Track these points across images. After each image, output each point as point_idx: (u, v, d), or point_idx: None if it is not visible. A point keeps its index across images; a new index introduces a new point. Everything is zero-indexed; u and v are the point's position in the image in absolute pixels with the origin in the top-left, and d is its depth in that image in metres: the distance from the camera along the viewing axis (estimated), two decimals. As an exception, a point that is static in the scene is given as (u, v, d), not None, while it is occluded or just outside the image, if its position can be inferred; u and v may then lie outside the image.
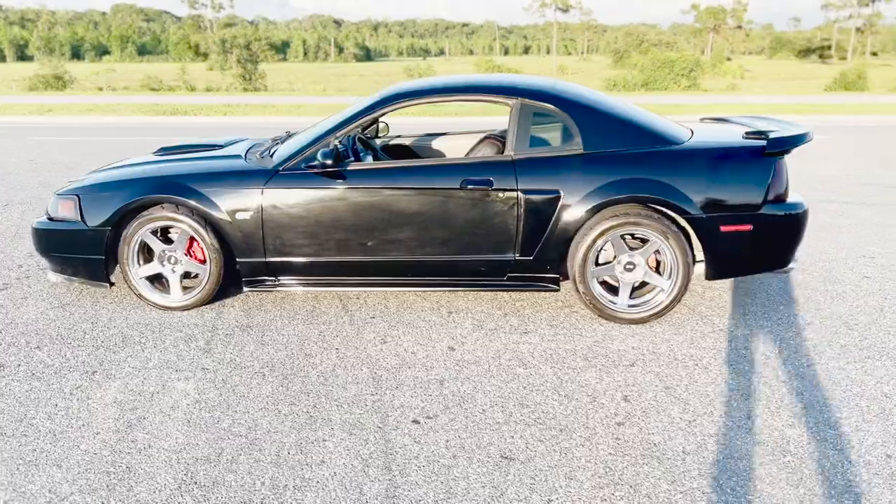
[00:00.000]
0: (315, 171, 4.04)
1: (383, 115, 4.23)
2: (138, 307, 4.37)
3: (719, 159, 3.96)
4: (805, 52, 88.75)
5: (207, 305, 4.35)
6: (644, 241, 4.04)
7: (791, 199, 4.06)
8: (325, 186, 4.03)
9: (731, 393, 3.29)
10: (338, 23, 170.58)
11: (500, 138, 4.67)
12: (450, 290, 4.43)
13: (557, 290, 4.16)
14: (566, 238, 4.00)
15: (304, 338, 3.93)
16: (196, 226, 4.13)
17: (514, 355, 3.69)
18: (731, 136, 4.21)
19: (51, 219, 4.38)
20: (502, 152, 4.28)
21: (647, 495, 2.56)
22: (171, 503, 2.55)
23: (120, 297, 4.53)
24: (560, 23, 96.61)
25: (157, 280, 4.38)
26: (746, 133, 4.14)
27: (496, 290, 4.33)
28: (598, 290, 4.07)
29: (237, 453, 2.83)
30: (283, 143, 4.65)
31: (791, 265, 4.15)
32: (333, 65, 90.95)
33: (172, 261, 4.27)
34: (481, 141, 4.42)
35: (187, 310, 4.30)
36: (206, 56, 65.79)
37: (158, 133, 13.98)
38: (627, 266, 4.03)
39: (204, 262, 4.26)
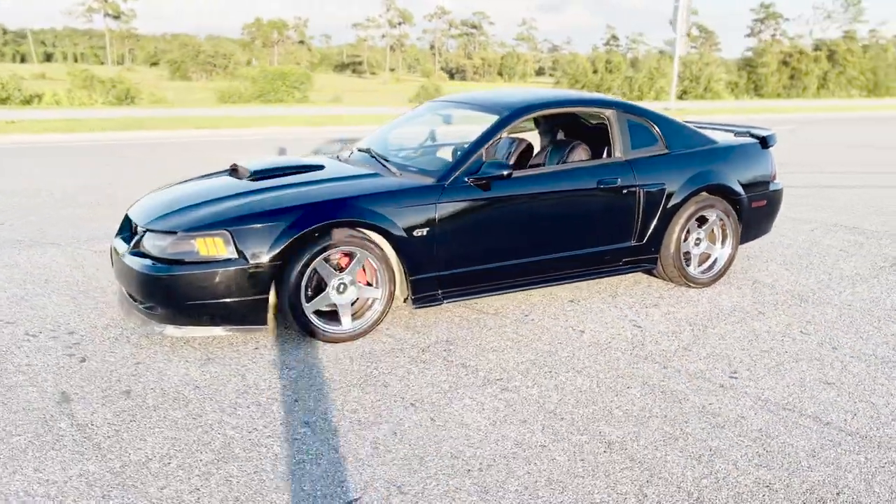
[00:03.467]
0: (479, 182, 4.20)
1: (512, 126, 4.55)
2: (294, 348, 3.95)
3: (745, 153, 5.24)
4: (341, 67, 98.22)
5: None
6: (704, 220, 5.08)
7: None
8: (488, 196, 4.24)
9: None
10: None
11: (567, 143, 5.20)
12: (577, 282, 4.87)
13: (655, 267, 4.98)
14: (667, 223, 4.85)
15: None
16: (374, 247, 3.96)
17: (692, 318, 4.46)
18: (727, 136, 5.51)
19: (167, 261, 3.69)
20: (591, 156, 4.93)
21: None
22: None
23: (242, 341, 4.00)
24: (85, 30, 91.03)
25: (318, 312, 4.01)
26: (736, 134, 5.49)
27: (611, 276, 4.94)
28: (682, 261, 5.01)
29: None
30: (378, 157, 4.61)
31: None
32: None
33: (341, 289, 3.98)
34: (573, 148, 4.96)
35: (356, 339, 4.05)
36: None
37: None
38: (696, 241, 5.05)
39: (369, 285, 4.07)
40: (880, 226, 7.16)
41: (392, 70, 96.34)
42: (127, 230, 4.31)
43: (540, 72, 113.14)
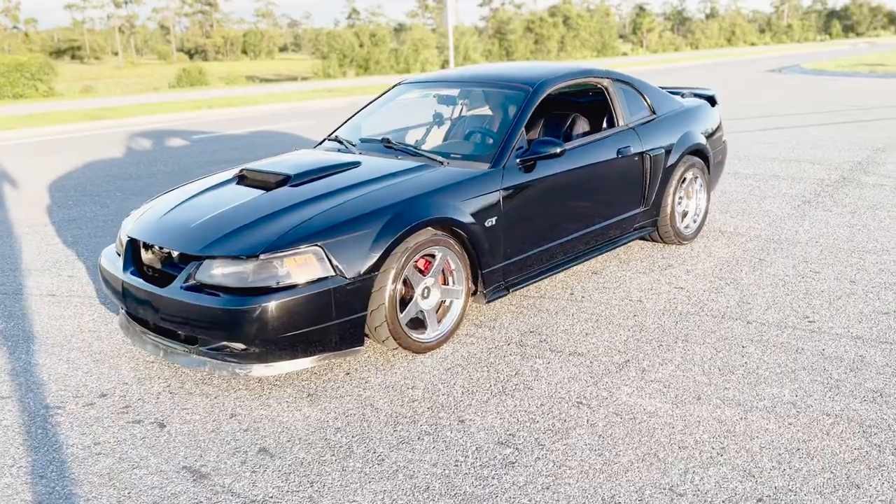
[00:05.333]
0: (528, 162, 4.03)
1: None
2: (387, 364, 3.56)
3: (704, 113, 5.56)
4: (57, 54, 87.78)
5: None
6: (684, 179, 5.32)
7: (717, 134, 5.92)
8: (538, 176, 4.09)
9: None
10: None
11: (564, 116, 5.05)
12: (603, 254, 4.80)
13: (654, 230, 5.12)
14: (665, 185, 5.01)
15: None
16: (454, 244, 3.67)
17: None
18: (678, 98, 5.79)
19: (250, 290, 3.14)
20: (591, 126, 4.92)
21: None
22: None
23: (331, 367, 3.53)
24: None
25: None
26: (683, 95, 5.79)
27: (624, 244, 4.95)
28: (677, 220, 5.21)
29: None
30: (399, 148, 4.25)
31: None
32: None
33: (426, 293, 3.64)
34: (573, 120, 4.86)
35: (441, 345, 3.73)
36: None
37: None
38: (679, 199, 5.28)
39: (445, 285, 3.77)
40: (756, 168, 7.98)
41: (115, 54, 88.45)
42: (131, 260, 3.58)
43: (283, 48, 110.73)
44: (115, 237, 6.05)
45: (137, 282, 3.43)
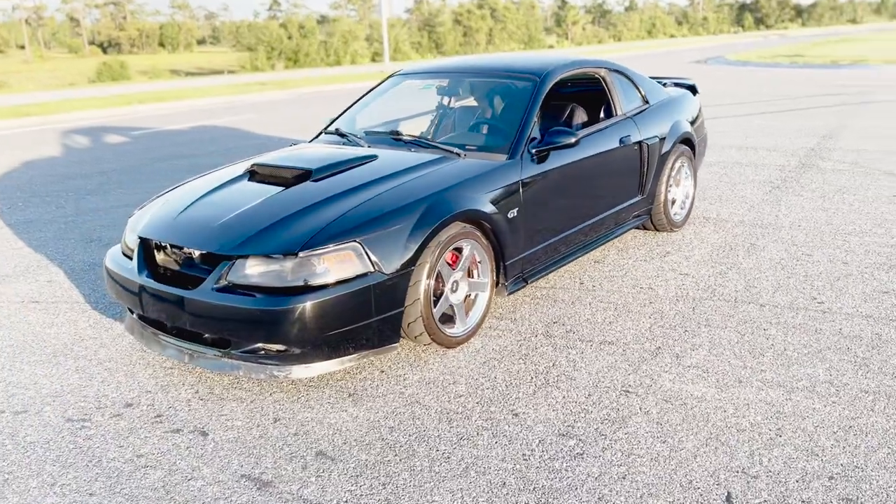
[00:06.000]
0: (543, 152, 4.02)
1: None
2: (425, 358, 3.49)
3: (689, 102, 5.66)
4: None
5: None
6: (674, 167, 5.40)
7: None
8: (553, 166, 4.09)
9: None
10: None
11: (562, 107, 5.04)
12: (606, 243, 4.82)
13: (648, 218, 5.19)
14: (660, 173, 5.08)
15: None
16: (481, 237, 3.63)
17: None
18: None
19: (289, 290, 3.03)
20: (589, 116, 4.94)
21: None
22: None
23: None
24: None
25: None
26: (665, 85, 5.88)
27: (620, 236, 4.99)
28: (669, 208, 5.29)
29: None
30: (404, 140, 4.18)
31: None
32: None
33: (454, 287, 3.59)
34: (572, 111, 4.85)
35: (470, 338, 3.69)
36: None
37: None
38: (669, 187, 5.38)
39: (469, 278, 3.72)
40: (717, 156, 8.21)
41: (22, 47, 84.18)
42: (144, 260, 3.41)
43: (202, 41, 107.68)
44: (85, 239, 5.78)
45: (158, 284, 3.26)
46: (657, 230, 5.36)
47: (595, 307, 4.07)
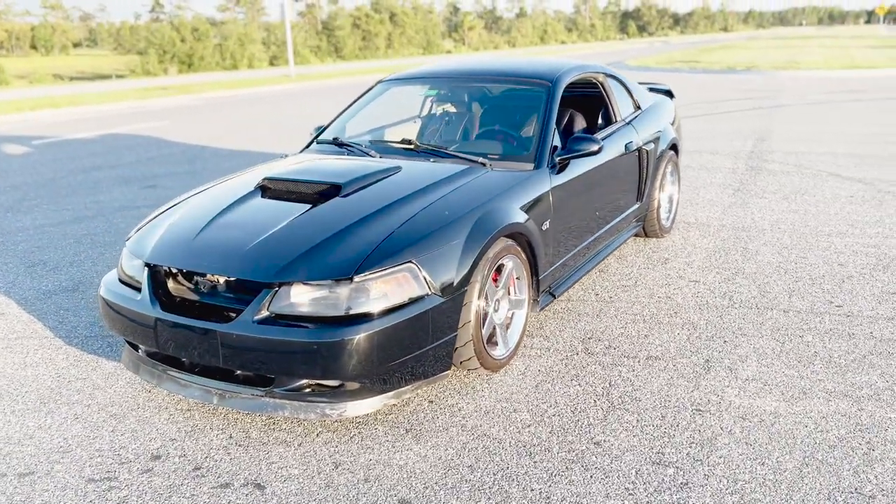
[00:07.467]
0: (565, 160, 3.86)
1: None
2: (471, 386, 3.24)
3: (669, 106, 5.64)
4: None
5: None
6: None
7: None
8: (575, 174, 3.94)
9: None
10: None
11: (561, 113, 4.84)
12: (613, 252, 4.68)
13: (642, 224, 5.11)
14: (654, 179, 5.02)
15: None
16: (520, 252, 3.42)
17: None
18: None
19: (344, 319, 2.73)
20: (593, 122, 4.81)
21: None
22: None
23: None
24: None
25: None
26: (650, 90, 5.84)
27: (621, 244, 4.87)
28: (660, 213, 5.24)
29: (888, 360, 3.40)
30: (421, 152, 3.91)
31: None
32: None
33: (496, 306, 3.35)
34: (571, 117, 4.68)
35: (511, 359, 3.46)
36: None
37: None
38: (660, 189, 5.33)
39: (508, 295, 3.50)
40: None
41: None
42: (155, 290, 3.01)
43: (78, 44, 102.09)
44: (26, 264, 5.17)
45: (180, 318, 2.86)
46: (647, 236, 5.30)
47: (623, 320, 3.93)
